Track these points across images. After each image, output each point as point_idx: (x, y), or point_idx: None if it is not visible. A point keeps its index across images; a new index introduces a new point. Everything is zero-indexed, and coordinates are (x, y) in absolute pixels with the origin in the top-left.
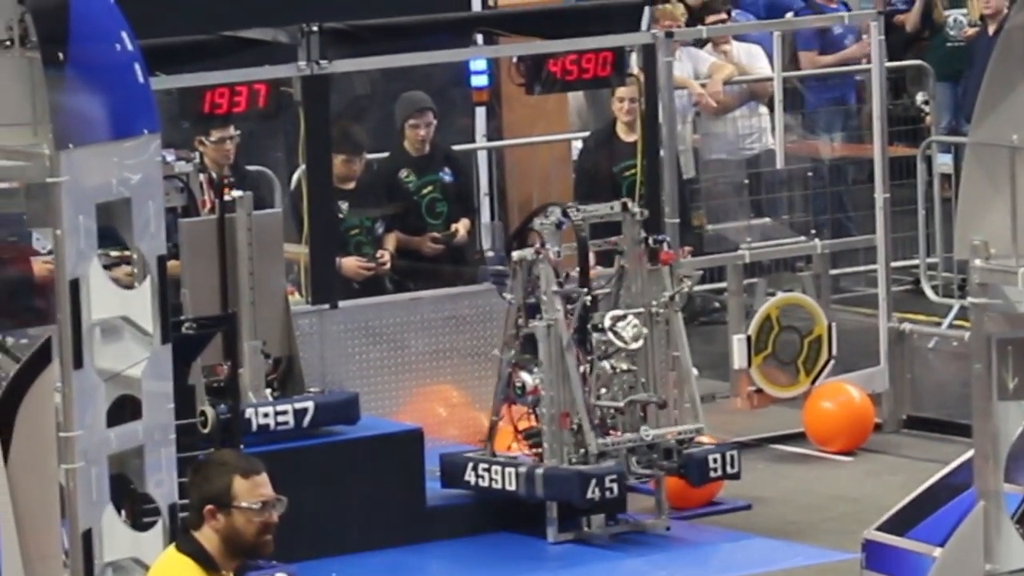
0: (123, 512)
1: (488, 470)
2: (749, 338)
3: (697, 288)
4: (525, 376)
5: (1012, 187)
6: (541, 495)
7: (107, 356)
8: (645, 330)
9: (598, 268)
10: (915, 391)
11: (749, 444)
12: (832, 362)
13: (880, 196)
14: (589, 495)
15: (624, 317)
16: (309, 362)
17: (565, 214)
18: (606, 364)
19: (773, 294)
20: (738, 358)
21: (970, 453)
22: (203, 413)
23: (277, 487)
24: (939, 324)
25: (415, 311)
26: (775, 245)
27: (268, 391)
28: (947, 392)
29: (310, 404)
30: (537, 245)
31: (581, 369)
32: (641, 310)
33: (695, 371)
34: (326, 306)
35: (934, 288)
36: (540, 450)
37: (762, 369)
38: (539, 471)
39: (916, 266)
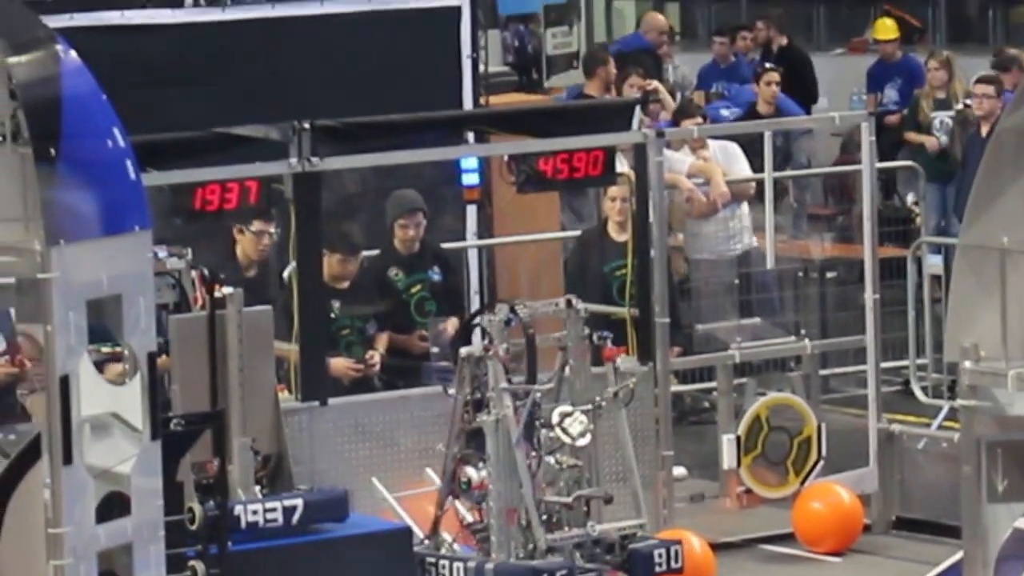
0: None
1: (435, 565)
2: (739, 438)
3: (687, 387)
4: (470, 471)
5: (1002, 290)
6: None
7: (96, 452)
8: (592, 426)
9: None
10: (904, 492)
11: (738, 544)
12: (821, 463)
13: (870, 296)
14: None
15: (571, 413)
16: (298, 459)
17: (513, 311)
18: (552, 459)
19: (763, 394)
20: (728, 458)
21: (959, 555)
22: (191, 510)
23: None
24: (928, 425)
25: (404, 409)
26: (765, 345)
27: (257, 488)
28: (936, 493)
29: (299, 501)
30: (485, 342)
31: (528, 464)
32: (588, 406)
33: (684, 471)
34: (316, 403)
35: (924, 389)
36: (487, 545)
37: (752, 469)
38: (489, 566)
39: (906, 367)
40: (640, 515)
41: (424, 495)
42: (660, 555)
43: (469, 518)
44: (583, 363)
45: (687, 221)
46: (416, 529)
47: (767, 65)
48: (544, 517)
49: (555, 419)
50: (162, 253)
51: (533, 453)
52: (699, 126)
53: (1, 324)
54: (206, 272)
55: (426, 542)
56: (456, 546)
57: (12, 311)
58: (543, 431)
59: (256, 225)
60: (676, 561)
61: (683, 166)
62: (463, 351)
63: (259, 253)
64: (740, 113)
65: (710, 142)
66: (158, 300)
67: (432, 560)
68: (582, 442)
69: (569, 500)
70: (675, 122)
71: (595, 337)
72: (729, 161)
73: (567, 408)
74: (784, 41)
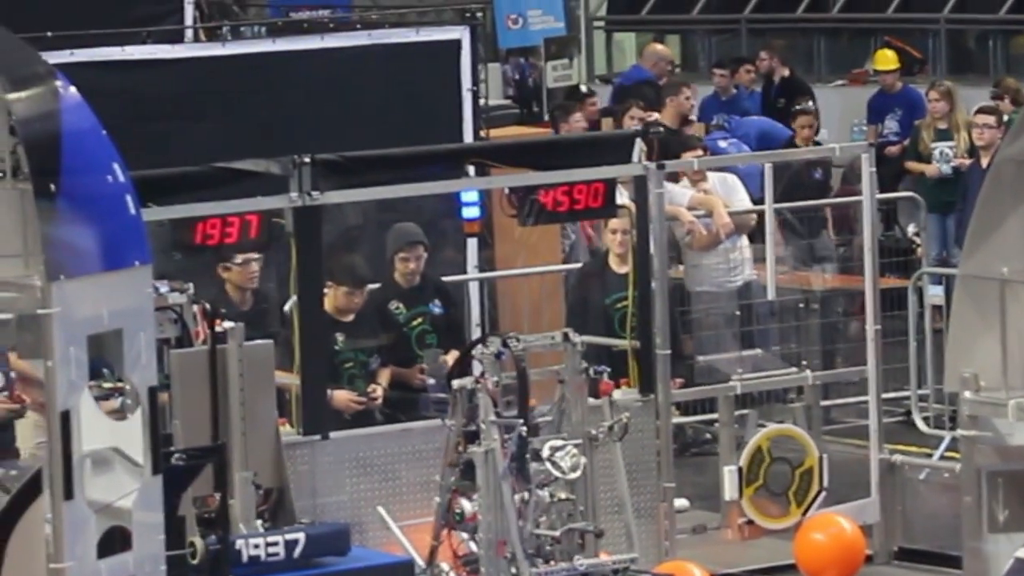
0: None
1: None
2: (740, 469)
3: (688, 419)
4: (464, 503)
5: (1002, 320)
6: None
7: (98, 487)
8: (584, 459)
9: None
10: (906, 523)
11: None
12: (823, 494)
13: (871, 327)
14: None
15: (563, 447)
16: (300, 493)
17: (505, 344)
18: (544, 492)
19: (764, 425)
20: (729, 489)
21: None
22: (193, 544)
23: None
24: (930, 456)
25: (406, 442)
26: (766, 376)
27: (259, 522)
28: (938, 524)
29: (301, 535)
30: (477, 374)
31: (518, 497)
32: (580, 440)
33: (686, 502)
34: (317, 437)
35: (925, 420)
36: None
37: (753, 500)
38: None
39: (907, 398)
40: (632, 548)
41: (426, 526)
42: None
43: (463, 550)
44: (579, 396)
45: (688, 253)
46: (418, 559)
47: (800, 107)
48: (533, 551)
49: (546, 452)
50: (164, 288)
51: (527, 485)
52: (699, 158)
53: (0, 361)
54: (208, 306)
55: (425, 573)
56: None
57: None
58: (534, 464)
59: (240, 257)
60: None
61: (684, 199)
62: (456, 383)
63: (250, 282)
64: (740, 145)
65: (709, 174)
66: (160, 335)
67: None
68: (573, 476)
69: (557, 533)
70: (676, 155)
71: (592, 371)
72: (729, 193)
73: (558, 442)
74: (786, 72)
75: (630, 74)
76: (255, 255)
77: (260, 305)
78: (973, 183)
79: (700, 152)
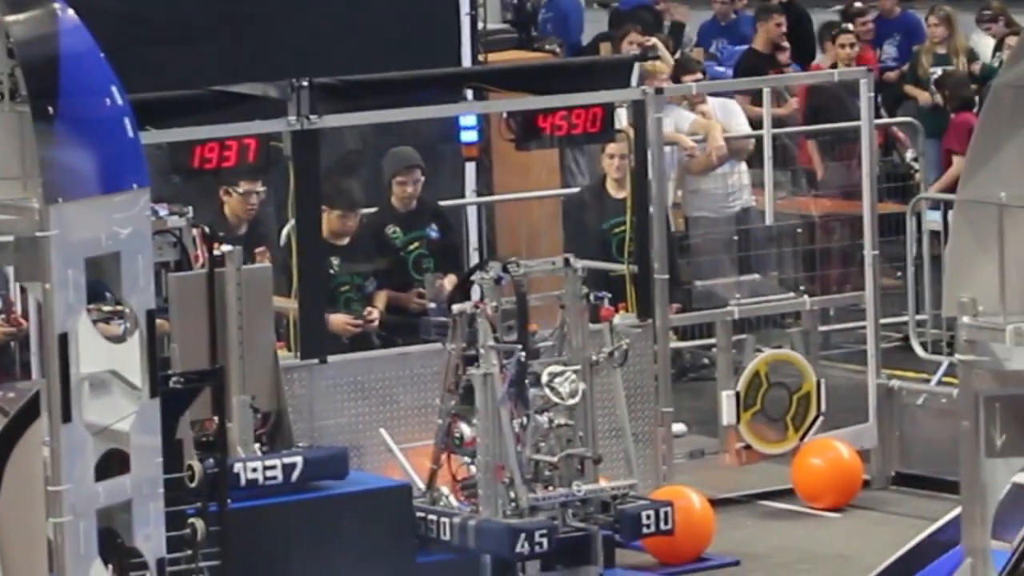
0: (111, 566)
1: (424, 519)
2: (738, 394)
3: (686, 344)
4: (464, 427)
5: (1000, 244)
6: (473, 547)
7: (95, 410)
8: (583, 385)
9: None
10: (904, 448)
11: (738, 500)
12: (821, 419)
13: (869, 253)
14: (518, 549)
15: (562, 373)
16: (298, 417)
17: (505, 269)
18: (543, 418)
19: (761, 351)
20: (727, 414)
21: (958, 510)
22: (191, 467)
23: (265, 542)
24: (928, 381)
25: (404, 366)
26: (764, 302)
27: (257, 446)
28: (936, 449)
29: (299, 459)
30: (476, 299)
31: (517, 422)
32: (579, 366)
33: (683, 427)
34: (315, 361)
35: (923, 345)
36: (477, 500)
37: (751, 425)
38: (471, 523)
39: (905, 323)
40: (632, 475)
41: (424, 450)
42: (648, 516)
43: (463, 473)
44: (580, 321)
45: (686, 178)
46: (417, 481)
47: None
48: (531, 476)
49: (545, 378)
50: (163, 211)
51: (525, 411)
52: (697, 82)
53: None
54: (207, 230)
55: (424, 496)
56: (452, 500)
57: (10, 270)
58: (533, 390)
59: (243, 186)
60: (666, 523)
61: (686, 123)
62: (455, 308)
63: (247, 213)
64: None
65: (710, 100)
66: (159, 258)
67: (423, 515)
68: (571, 401)
69: (555, 459)
70: (675, 78)
71: (592, 297)
72: (728, 117)
73: (557, 367)
74: None
75: None
76: (258, 187)
77: (258, 229)
78: None
79: (700, 76)
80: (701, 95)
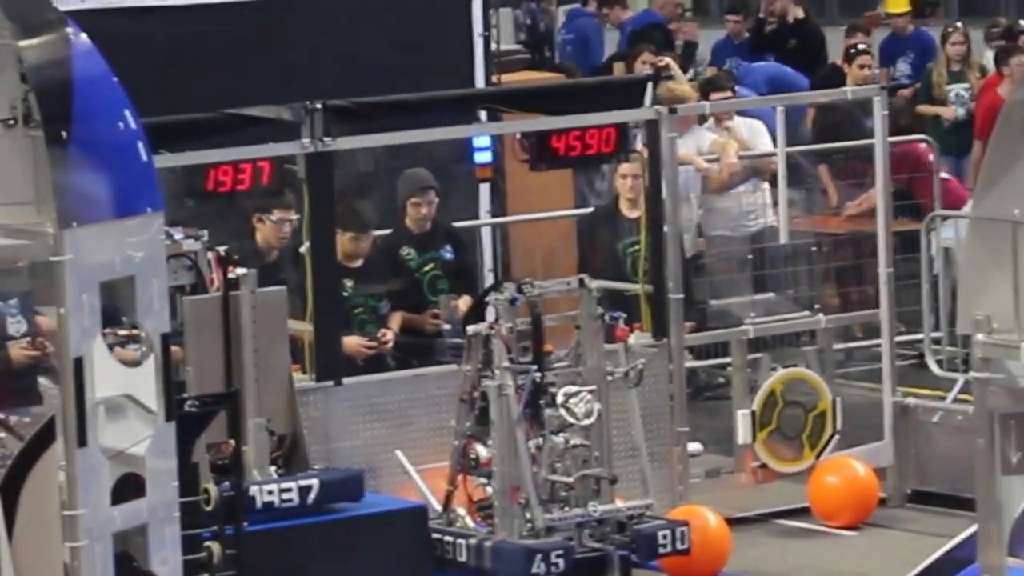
0: None
1: (440, 540)
2: (753, 413)
3: (701, 363)
4: (480, 448)
5: (1014, 262)
6: (489, 568)
7: (111, 434)
8: (598, 405)
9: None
10: (920, 465)
11: (754, 519)
12: (836, 437)
13: (884, 271)
14: (535, 570)
15: (577, 393)
16: (313, 439)
17: (520, 290)
18: (559, 438)
19: (776, 369)
20: (742, 433)
21: (974, 528)
22: (207, 491)
23: (282, 565)
24: (943, 398)
25: (419, 387)
26: (779, 320)
27: (272, 468)
28: (952, 466)
29: (314, 481)
30: (491, 320)
31: (533, 443)
32: (594, 387)
33: (699, 446)
34: (331, 383)
35: (938, 362)
36: (493, 522)
37: (767, 444)
38: (488, 544)
39: (920, 340)
40: (648, 495)
41: (439, 471)
42: (665, 536)
43: (479, 495)
44: (595, 341)
45: (704, 196)
46: (433, 502)
47: (860, 47)
48: (547, 497)
49: (560, 398)
50: (178, 235)
51: (541, 431)
52: (712, 102)
53: (22, 307)
54: (222, 253)
55: (440, 517)
56: (468, 521)
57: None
58: (548, 410)
59: (276, 214)
60: (682, 543)
61: (706, 143)
62: (470, 329)
63: (280, 241)
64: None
65: (737, 119)
66: (174, 282)
67: (439, 536)
68: (587, 422)
69: (571, 479)
70: (705, 95)
71: (607, 317)
72: (754, 137)
73: (572, 388)
74: (800, 14)
75: (640, 18)
76: (292, 215)
77: (282, 257)
78: None
79: (730, 93)
80: (729, 113)
